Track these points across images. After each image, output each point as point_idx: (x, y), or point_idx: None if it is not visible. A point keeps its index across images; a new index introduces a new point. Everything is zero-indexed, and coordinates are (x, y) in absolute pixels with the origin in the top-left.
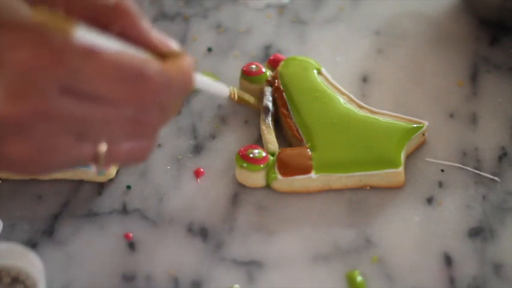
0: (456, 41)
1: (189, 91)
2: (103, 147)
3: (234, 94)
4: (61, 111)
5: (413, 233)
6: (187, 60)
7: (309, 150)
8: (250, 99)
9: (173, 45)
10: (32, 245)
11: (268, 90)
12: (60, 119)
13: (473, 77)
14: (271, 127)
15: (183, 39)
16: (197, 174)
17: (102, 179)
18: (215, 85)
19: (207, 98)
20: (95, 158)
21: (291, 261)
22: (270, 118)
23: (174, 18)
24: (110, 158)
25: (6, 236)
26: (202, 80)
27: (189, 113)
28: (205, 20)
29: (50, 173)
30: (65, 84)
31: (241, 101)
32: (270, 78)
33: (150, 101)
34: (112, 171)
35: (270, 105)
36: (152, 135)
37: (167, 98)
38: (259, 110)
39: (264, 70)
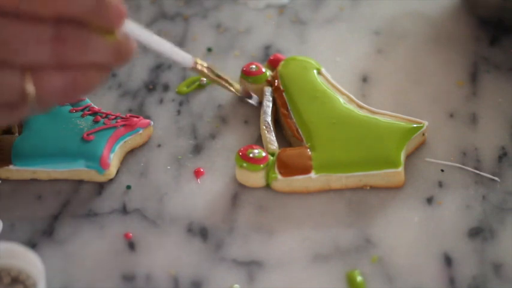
0: (456, 41)
1: (110, 21)
2: (29, 78)
3: (202, 66)
4: None
5: (413, 233)
6: None
7: (309, 150)
8: (224, 78)
9: None
10: (32, 245)
11: (268, 90)
12: None
13: (473, 77)
14: (271, 127)
15: (183, 39)
16: (197, 174)
17: (102, 179)
18: (168, 46)
19: (207, 98)
20: (23, 91)
21: (291, 261)
22: (269, 118)
23: (174, 18)
24: (41, 90)
25: (6, 236)
26: (149, 37)
27: (189, 113)
28: (205, 20)
29: None
30: None
31: (211, 77)
32: (270, 78)
33: (64, 12)
34: (112, 171)
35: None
36: (81, 64)
37: (86, 15)
38: (238, 96)
39: (264, 70)
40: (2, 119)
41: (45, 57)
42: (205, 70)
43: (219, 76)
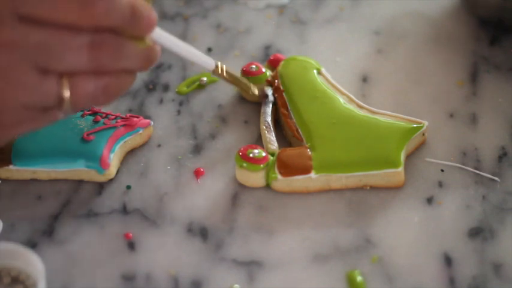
0: (456, 41)
1: (142, 29)
2: (66, 83)
3: (222, 70)
4: (19, 39)
5: (413, 233)
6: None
7: (309, 150)
8: (243, 82)
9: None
10: (32, 245)
11: (268, 90)
12: (20, 48)
13: (473, 77)
14: (271, 127)
15: (183, 39)
16: (197, 174)
17: (102, 179)
18: (192, 51)
19: (207, 98)
20: (60, 96)
21: (291, 261)
22: (269, 118)
23: (174, 18)
24: (76, 95)
25: (6, 236)
26: (175, 42)
27: (189, 113)
28: (205, 20)
29: (14, 120)
30: (22, 11)
31: (230, 80)
32: (270, 78)
33: (101, 22)
34: (112, 171)
35: (270, 93)
36: (114, 70)
37: (121, 24)
38: (253, 99)
39: (264, 70)
40: (36, 123)
41: (82, 64)
42: (224, 73)
43: (237, 79)
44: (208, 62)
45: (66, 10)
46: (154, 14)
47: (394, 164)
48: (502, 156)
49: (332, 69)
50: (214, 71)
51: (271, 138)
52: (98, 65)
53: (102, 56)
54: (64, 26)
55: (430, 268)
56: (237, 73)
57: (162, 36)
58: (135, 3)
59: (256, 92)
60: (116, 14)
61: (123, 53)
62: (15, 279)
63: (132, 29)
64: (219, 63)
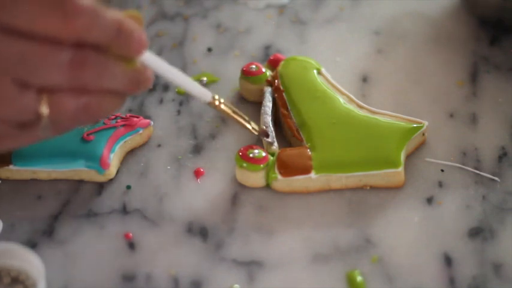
0: (456, 41)
1: (131, 50)
2: (45, 99)
3: (220, 103)
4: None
5: (413, 233)
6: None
7: (309, 150)
8: (242, 117)
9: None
10: (32, 245)
11: (268, 90)
12: (1, 60)
13: (473, 77)
14: (271, 127)
15: (183, 39)
16: (197, 174)
17: (102, 179)
18: (188, 80)
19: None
20: (38, 112)
21: (291, 261)
22: (269, 118)
23: (174, 18)
24: (55, 112)
25: (6, 236)
26: (169, 70)
27: (189, 113)
28: (205, 20)
29: None
30: (1, 21)
31: (228, 115)
32: (270, 78)
33: (83, 37)
34: (112, 171)
35: (270, 125)
36: (97, 89)
37: (105, 41)
38: (252, 133)
39: (264, 70)
40: (15, 140)
41: (62, 80)
42: (222, 106)
43: (236, 113)
44: (204, 93)
45: (46, 22)
46: (145, 37)
47: (394, 164)
48: (502, 156)
49: (332, 69)
50: (211, 103)
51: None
52: (79, 83)
53: (84, 74)
54: (44, 39)
55: (430, 268)
56: (236, 109)
57: (153, 61)
58: (123, 22)
59: (256, 129)
60: (100, 29)
61: (107, 73)
62: (15, 279)
63: (118, 48)
64: (216, 96)
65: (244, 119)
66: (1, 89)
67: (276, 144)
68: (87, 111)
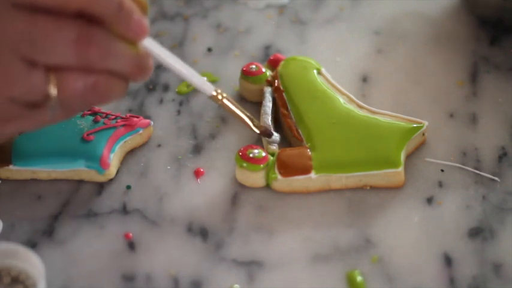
0: (456, 41)
1: (131, 30)
2: (53, 78)
3: (221, 97)
4: (5, 27)
5: (413, 233)
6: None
7: (308, 150)
8: (244, 114)
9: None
10: (32, 245)
11: (268, 90)
12: (5, 35)
13: (473, 77)
14: (271, 127)
15: (183, 39)
16: (197, 174)
17: (102, 179)
18: (192, 71)
19: (207, 98)
20: (46, 90)
21: (291, 261)
22: (270, 117)
23: (174, 18)
24: (64, 91)
25: (6, 236)
26: (173, 58)
27: (189, 113)
28: (205, 20)
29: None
30: None
31: (230, 111)
32: (270, 78)
33: (85, 6)
34: (112, 171)
35: (270, 122)
36: (103, 68)
37: (107, 15)
38: (257, 132)
39: (264, 70)
40: (24, 121)
41: (69, 58)
42: (224, 100)
43: (238, 108)
44: (207, 86)
45: None
46: (145, 22)
47: (394, 164)
48: (502, 156)
49: (332, 69)
50: (213, 97)
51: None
52: (86, 62)
53: (90, 51)
54: (49, 12)
55: (430, 268)
56: (239, 106)
57: (158, 50)
58: (125, 0)
59: (259, 127)
60: (102, 2)
61: (112, 52)
62: (15, 279)
63: (118, 26)
64: (219, 91)
65: (247, 116)
66: (10, 67)
67: (277, 139)
68: (95, 89)
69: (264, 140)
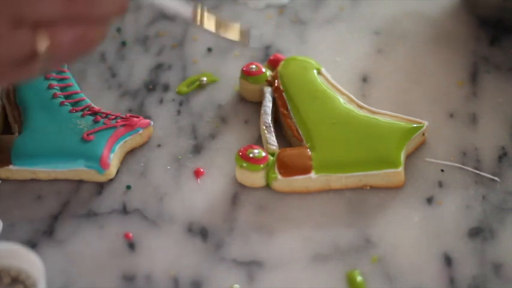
0: (456, 41)
1: None
2: (43, 33)
3: (201, 17)
4: None
5: (413, 233)
6: None
7: (308, 150)
8: (232, 30)
9: None
10: (32, 245)
11: (268, 90)
12: None
13: (473, 77)
14: (271, 127)
15: (183, 39)
16: (197, 174)
17: (102, 179)
18: None
19: (207, 98)
20: (34, 48)
21: (291, 261)
22: (269, 118)
23: (174, 18)
24: (53, 47)
25: (6, 236)
26: None
27: (189, 113)
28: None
29: None
30: None
31: (216, 29)
32: (270, 78)
33: None
34: (112, 171)
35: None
36: (90, 17)
37: None
38: (245, 43)
39: (264, 70)
40: (12, 77)
41: (57, 11)
42: (205, 20)
43: (224, 27)
44: (184, 8)
45: None
46: None
47: (394, 164)
48: (502, 156)
49: (332, 69)
50: (194, 20)
51: (271, 138)
52: (72, 13)
53: (76, 3)
54: None
55: (430, 268)
56: (225, 21)
57: None
58: None
59: (248, 38)
60: None
61: (103, 7)
62: (15, 279)
63: None
64: (199, 10)
65: (238, 34)
66: None
67: (276, 144)
68: (84, 40)
69: (264, 140)
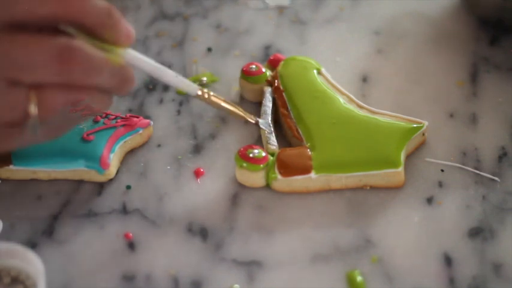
0: (456, 41)
1: (120, 35)
2: (34, 97)
3: (207, 95)
4: None
5: (413, 233)
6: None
7: (308, 150)
8: (236, 109)
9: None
10: (32, 245)
11: (268, 90)
12: None
13: (473, 77)
14: (271, 127)
15: (183, 39)
16: (197, 174)
17: (102, 179)
18: (167, 73)
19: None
20: (26, 110)
21: (291, 261)
22: (269, 118)
23: (174, 18)
24: (43, 110)
25: (6, 236)
26: (154, 65)
27: (189, 113)
28: (205, 20)
29: None
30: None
31: (219, 106)
32: (269, 78)
33: (76, 16)
34: (112, 171)
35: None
36: (86, 85)
37: (96, 23)
38: (244, 119)
39: (263, 70)
40: (3, 141)
41: (51, 76)
42: (212, 98)
43: (228, 103)
44: (191, 87)
45: (45, 6)
46: (131, 28)
47: (394, 164)
48: (502, 156)
49: (332, 69)
50: (200, 96)
51: (271, 138)
52: (68, 79)
53: (72, 68)
54: (30, 26)
55: (430, 268)
56: (230, 102)
57: (139, 58)
58: (113, 7)
59: (252, 120)
60: (93, 9)
61: (95, 68)
62: (15, 279)
63: (110, 32)
64: (205, 90)
65: (238, 109)
66: None
67: (276, 144)
68: (79, 107)
69: (264, 139)
